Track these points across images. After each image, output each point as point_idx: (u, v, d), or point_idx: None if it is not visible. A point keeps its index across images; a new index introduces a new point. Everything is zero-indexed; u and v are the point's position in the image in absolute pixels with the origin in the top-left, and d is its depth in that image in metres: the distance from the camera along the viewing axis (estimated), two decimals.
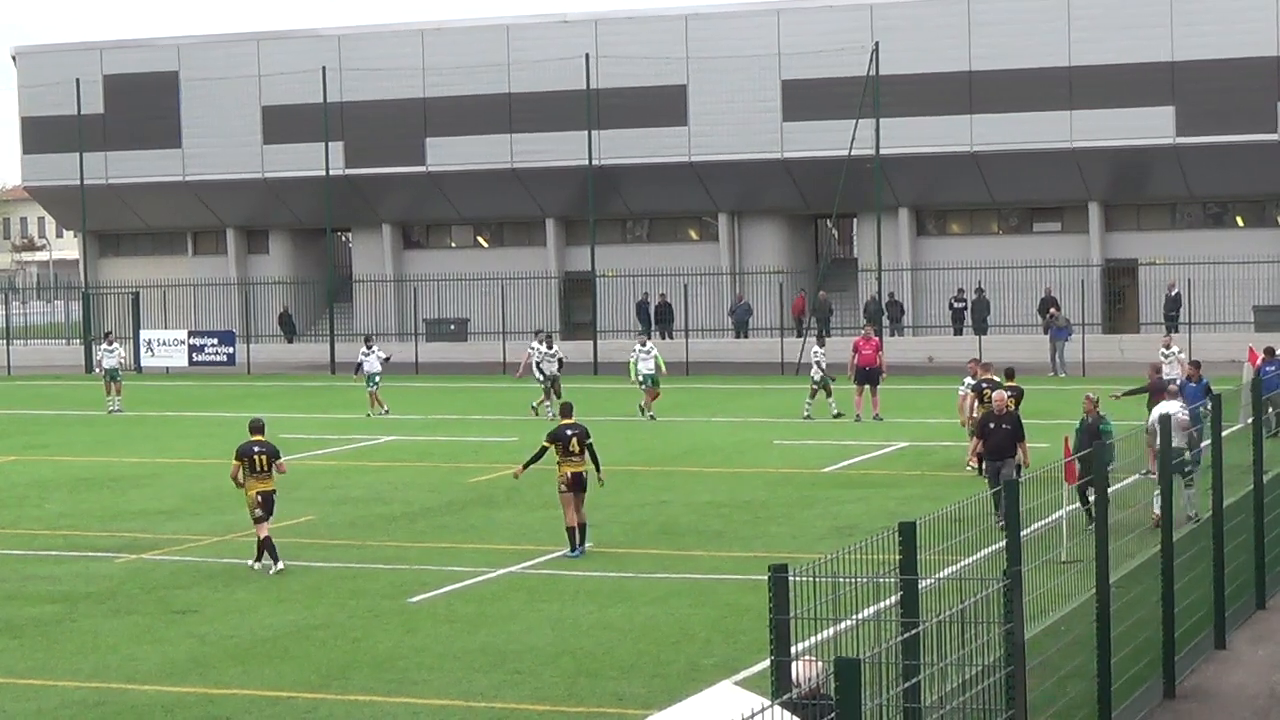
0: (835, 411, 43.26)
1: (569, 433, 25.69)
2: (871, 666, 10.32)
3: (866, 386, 43.27)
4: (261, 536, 25.38)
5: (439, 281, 69.02)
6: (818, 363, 43.60)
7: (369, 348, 48.39)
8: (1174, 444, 20.98)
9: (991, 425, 27.60)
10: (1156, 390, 32.27)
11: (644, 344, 45.81)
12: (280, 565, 25.16)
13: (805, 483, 32.83)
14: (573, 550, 25.60)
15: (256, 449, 25.71)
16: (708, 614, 21.76)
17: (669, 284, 65.82)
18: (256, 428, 26.17)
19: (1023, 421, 27.80)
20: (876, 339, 45.87)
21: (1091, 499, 22.39)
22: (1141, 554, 17.41)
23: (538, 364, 45.80)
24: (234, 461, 25.84)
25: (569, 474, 25.51)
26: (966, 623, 12.04)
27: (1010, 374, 33.03)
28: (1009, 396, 32.08)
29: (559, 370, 45.75)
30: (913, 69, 62.70)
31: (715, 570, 24.57)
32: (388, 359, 49.94)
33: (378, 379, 47.37)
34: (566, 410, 26.62)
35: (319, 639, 20.91)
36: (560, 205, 69.14)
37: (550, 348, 45.95)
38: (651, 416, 44.36)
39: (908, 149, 62.72)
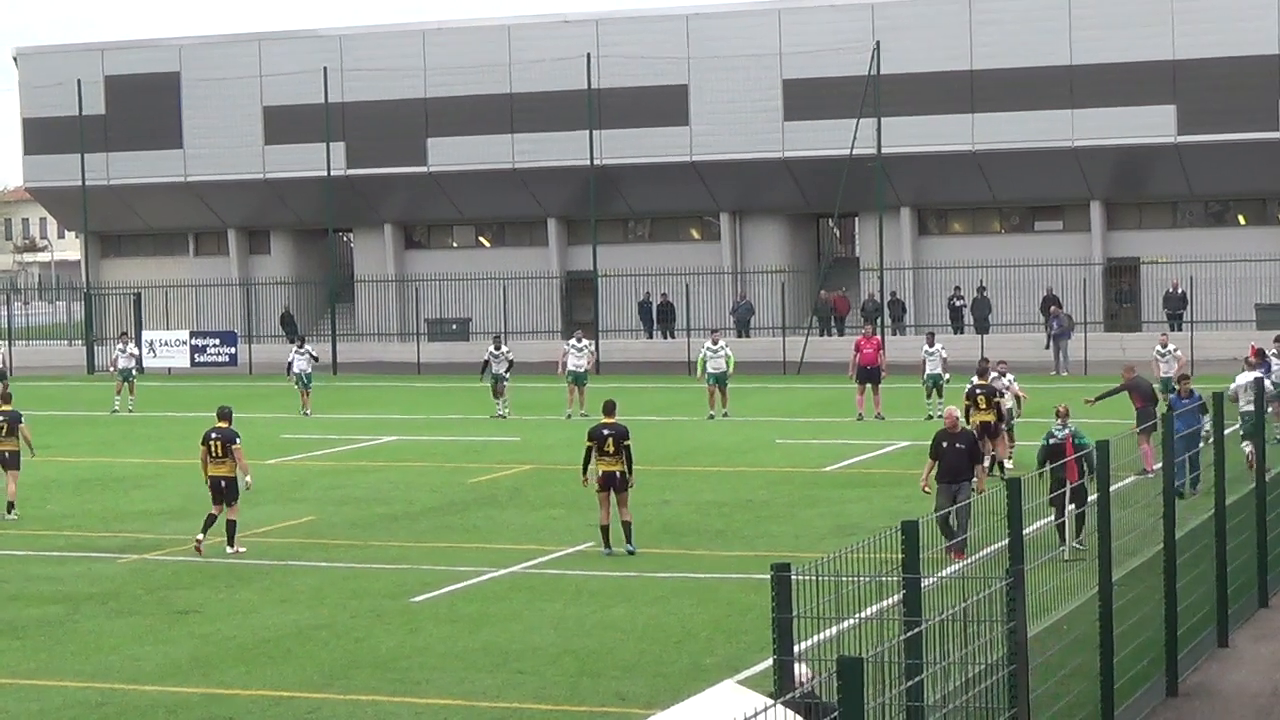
0: (930, 411, 41.88)
1: (605, 432, 25.63)
2: (874, 665, 10.32)
3: (868, 385, 43.23)
4: (214, 513, 26.49)
5: (441, 281, 69.03)
6: (925, 361, 42.47)
7: (302, 346, 48.87)
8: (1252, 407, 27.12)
9: (944, 444, 24.69)
10: (1132, 390, 32.17)
11: (715, 341, 45.45)
12: (201, 537, 26.27)
13: (807, 482, 32.83)
14: (605, 549, 25.61)
15: (213, 435, 26.65)
16: (710, 613, 21.76)
17: (670, 283, 65.83)
18: (222, 414, 27.13)
19: (978, 440, 25.62)
20: (878, 338, 45.80)
21: (1067, 512, 21.66)
22: (1144, 552, 17.41)
23: (487, 365, 45.78)
24: (200, 447, 26.91)
25: (601, 472, 25.53)
26: (969, 621, 12.03)
27: (984, 372, 32.83)
28: (980, 394, 31.92)
29: (507, 372, 45.64)
30: (914, 68, 62.70)
31: (717, 569, 24.56)
32: (317, 359, 50.13)
33: (308, 378, 47.87)
34: (608, 409, 26.42)
35: (321, 639, 20.92)
36: (562, 205, 69.15)
37: (499, 349, 45.84)
38: (725, 414, 44.06)
39: (909, 148, 62.70)
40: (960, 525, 21.58)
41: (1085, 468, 21.78)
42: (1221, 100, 60.58)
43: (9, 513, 30.24)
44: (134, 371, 50.64)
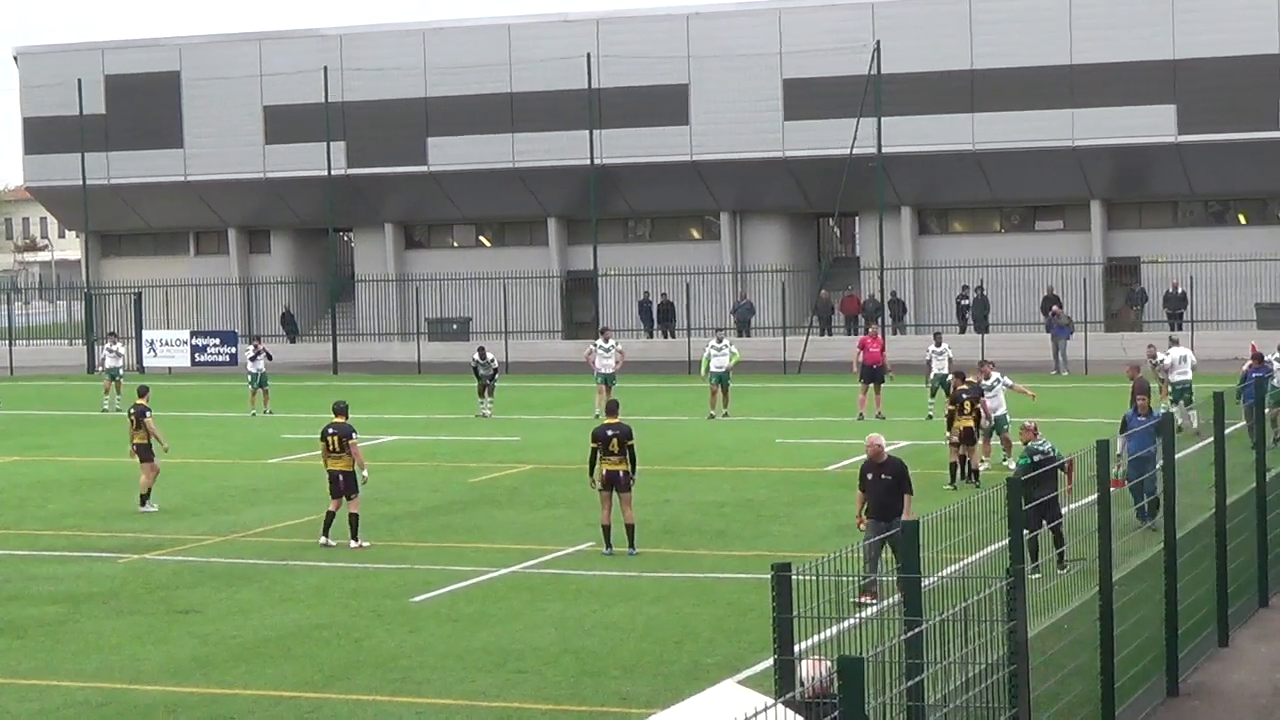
0: (931, 411, 41.54)
1: (609, 433, 25.70)
2: (875, 665, 10.32)
3: (871, 385, 43.20)
4: (331, 510, 26.87)
5: (441, 281, 69.03)
6: (931, 360, 42.07)
7: (258, 347, 49.60)
8: (1188, 376, 37.74)
9: (869, 475, 21.82)
10: (1139, 391, 31.93)
11: (720, 340, 45.37)
12: (324, 540, 26.67)
13: (808, 481, 32.81)
14: (606, 549, 25.64)
15: (330, 430, 27.02)
16: (710, 613, 21.76)
17: (671, 283, 65.82)
18: (338, 409, 27.45)
19: (908, 470, 22.24)
20: (882, 338, 45.74)
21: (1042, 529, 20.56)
22: (1144, 552, 17.40)
23: (476, 371, 46.05)
24: (320, 442, 27.34)
25: (604, 472, 25.58)
26: (969, 621, 12.03)
27: (961, 375, 32.76)
28: (965, 398, 31.75)
29: (494, 376, 45.98)
30: (914, 67, 62.69)
31: (718, 569, 24.56)
32: (270, 359, 50.27)
33: (263, 378, 48.37)
34: (612, 409, 26.59)
35: (322, 638, 20.92)
36: (562, 204, 69.14)
37: (484, 357, 45.99)
38: (725, 414, 44.08)
39: (909, 147, 62.70)
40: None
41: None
42: (1222, 99, 60.56)
43: (143, 504, 30.75)
44: (121, 371, 50.73)
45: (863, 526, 22.01)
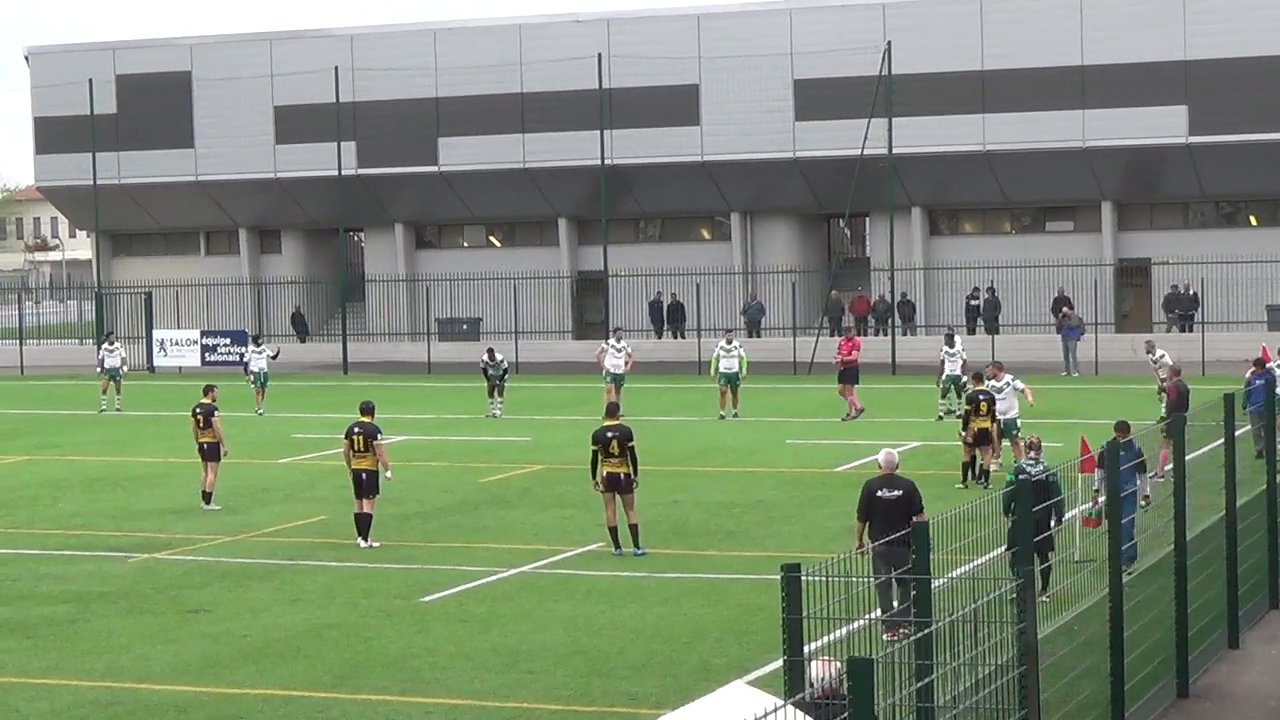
0: (942, 412, 41.96)
1: (609, 435, 25.70)
2: (884, 666, 10.31)
3: (843, 384, 43.28)
4: (356, 511, 26.88)
5: (451, 281, 69.06)
6: (944, 361, 42.03)
7: (257, 345, 49.75)
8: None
9: (878, 493, 19.59)
10: (1179, 394, 31.68)
11: (729, 341, 45.36)
12: (365, 544, 26.56)
13: (818, 482, 32.79)
14: (615, 550, 25.67)
15: (356, 429, 27.06)
16: (720, 613, 21.75)
17: (681, 283, 65.82)
18: (364, 409, 27.48)
19: (919, 491, 19.99)
20: (858, 339, 45.71)
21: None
22: (1154, 553, 17.37)
23: (485, 371, 46.23)
24: (344, 441, 27.31)
25: (605, 474, 25.61)
26: (979, 622, 12.02)
27: (979, 378, 32.67)
28: (981, 399, 31.62)
29: (503, 376, 46.22)
30: (925, 68, 62.66)
31: (728, 570, 24.55)
32: (275, 356, 50.43)
33: (264, 377, 48.54)
34: (611, 411, 26.65)
35: (331, 638, 20.92)
36: (572, 205, 69.16)
37: (494, 358, 46.11)
38: (735, 415, 44.03)
39: (920, 148, 62.67)
40: (904, 599, 17.99)
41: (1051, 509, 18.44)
42: (1233, 101, 60.51)
43: (206, 504, 30.70)
44: (120, 371, 50.70)
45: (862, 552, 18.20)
